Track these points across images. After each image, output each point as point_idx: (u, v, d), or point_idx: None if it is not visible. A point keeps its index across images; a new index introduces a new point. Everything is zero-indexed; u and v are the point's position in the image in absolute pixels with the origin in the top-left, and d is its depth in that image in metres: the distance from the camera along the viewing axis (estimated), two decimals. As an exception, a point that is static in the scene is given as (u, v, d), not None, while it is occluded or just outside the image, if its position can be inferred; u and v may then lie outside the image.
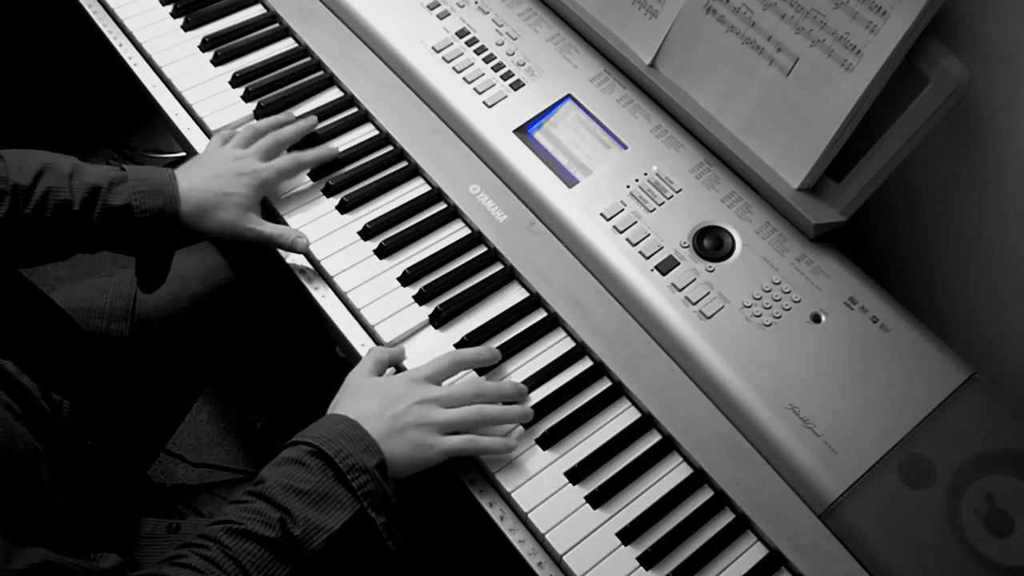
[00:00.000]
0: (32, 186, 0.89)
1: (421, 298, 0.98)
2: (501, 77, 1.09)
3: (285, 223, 1.02)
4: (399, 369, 0.94)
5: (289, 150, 1.05)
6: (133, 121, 1.93)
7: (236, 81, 1.12)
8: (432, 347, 0.95)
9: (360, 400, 0.86)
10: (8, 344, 0.79)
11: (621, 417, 0.92)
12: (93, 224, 0.91)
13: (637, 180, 1.03)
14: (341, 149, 1.08)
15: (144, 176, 0.94)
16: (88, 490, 0.80)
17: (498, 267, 1.01)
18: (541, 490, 0.87)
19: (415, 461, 0.84)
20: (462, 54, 1.11)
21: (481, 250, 1.02)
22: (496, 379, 0.93)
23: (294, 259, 1.01)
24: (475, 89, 1.08)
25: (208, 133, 1.09)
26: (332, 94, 1.13)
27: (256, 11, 1.20)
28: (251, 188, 0.98)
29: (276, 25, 1.19)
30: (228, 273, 1.11)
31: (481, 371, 0.94)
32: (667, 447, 0.91)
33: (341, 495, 0.78)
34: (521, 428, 0.91)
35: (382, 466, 0.81)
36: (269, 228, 0.99)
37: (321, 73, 1.14)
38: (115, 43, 1.16)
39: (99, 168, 0.94)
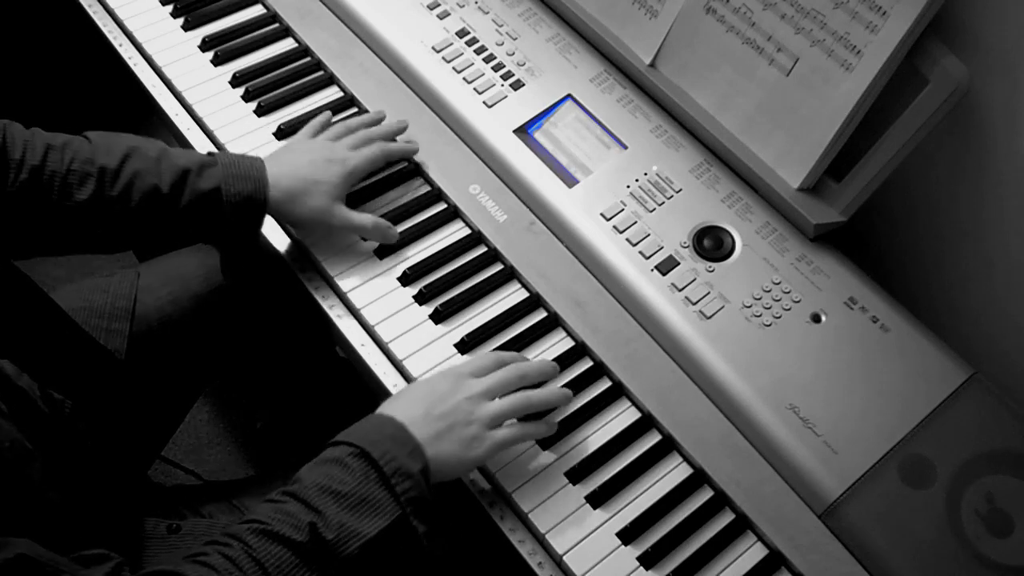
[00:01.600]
0: (119, 168, 0.88)
1: (421, 298, 0.98)
2: (501, 77, 1.09)
3: (285, 223, 1.02)
4: (401, 373, 0.94)
5: None
6: (133, 121, 1.92)
7: (236, 81, 1.12)
8: (432, 347, 0.95)
9: (405, 400, 0.84)
10: (8, 343, 0.78)
11: (621, 417, 0.92)
12: (181, 208, 0.90)
13: (637, 180, 1.03)
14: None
15: (234, 160, 0.94)
16: (88, 490, 0.80)
17: (498, 267, 1.01)
18: (541, 490, 0.87)
19: (465, 460, 0.82)
20: (462, 54, 1.11)
21: (481, 250, 1.02)
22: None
23: (293, 257, 1.01)
24: (475, 89, 1.08)
25: (208, 133, 1.09)
26: (332, 94, 1.13)
27: (256, 11, 1.20)
28: (340, 177, 0.97)
29: (276, 25, 1.19)
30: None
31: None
32: (667, 447, 0.91)
33: (383, 500, 0.76)
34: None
35: (426, 471, 0.79)
36: (358, 217, 0.98)
37: (321, 73, 1.14)
38: (115, 43, 1.16)
39: (187, 152, 0.94)
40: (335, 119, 1.10)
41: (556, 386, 0.90)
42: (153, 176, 0.89)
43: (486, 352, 0.91)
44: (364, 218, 0.98)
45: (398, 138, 1.06)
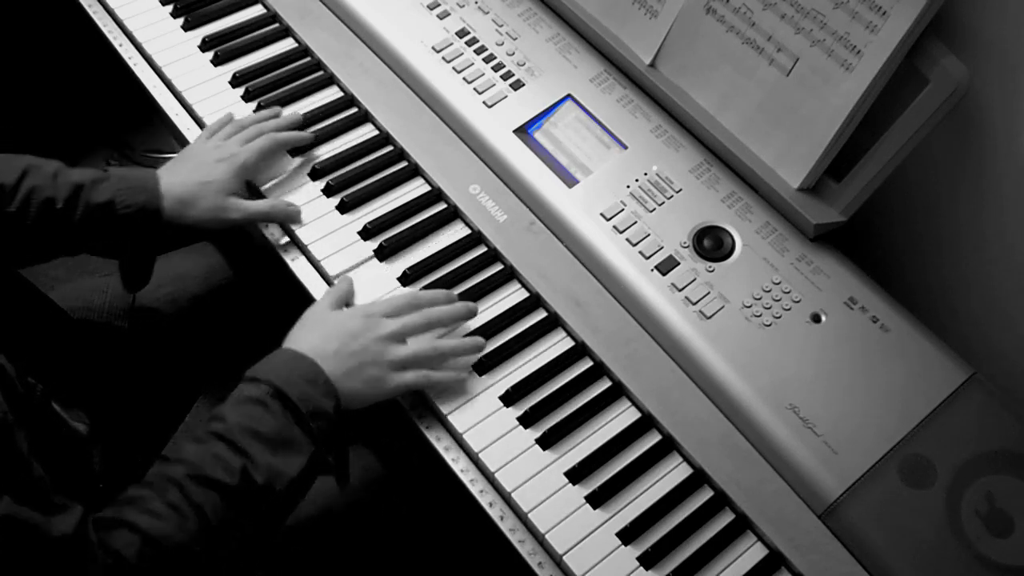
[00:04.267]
0: (16, 185, 0.89)
1: (421, 298, 0.98)
2: (501, 77, 1.09)
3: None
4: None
5: None
6: (133, 121, 1.92)
7: (236, 81, 1.12)
8: (432, 347, 0.95)
9: (317, 334, 0.88)
10: None
11: (621, 417, 0.92)
12: (76, 222, 0.91)
13: (637, 180, 1.03)
14: (341, 149, 1.08)
15: (126, 174, 0.95)
16: (86, 487, 0.80)
17: (498, 267, 1.01)
18: (541, 490, 0.87)
19: (368, 397, 0.87)
20: (462, 54, 1.11)
21: (481, 250, 1.02)
22: (496, 375, 0.93)
23: (293, 255, 1.01)
24: (475, 89, 1.08)
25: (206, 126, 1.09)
26: (332, 94, 1.13)
27: (256, 11, 1.20)
28: (230, 173, 0.98)
29: (276, 25, 1.19)
30: (227, 273, 1.11)
31: (478, 368, 0.94)
32: (667, 447, 0.91)
33: (300, 439, 0.80)
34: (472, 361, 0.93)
35: (338, 407, 0.83)
36: (255, 206, 0.99)
37: (321, 73, 1.14)
38: (115, 43, 1.16)
39: (83, 169, 0.95)
40: (335, 119, 1.10)
41: (479, 339, 0.94)
42: (49, 191, 0.90)
43: (403, 291, 0.95)
44: (261, 204, 1.00)
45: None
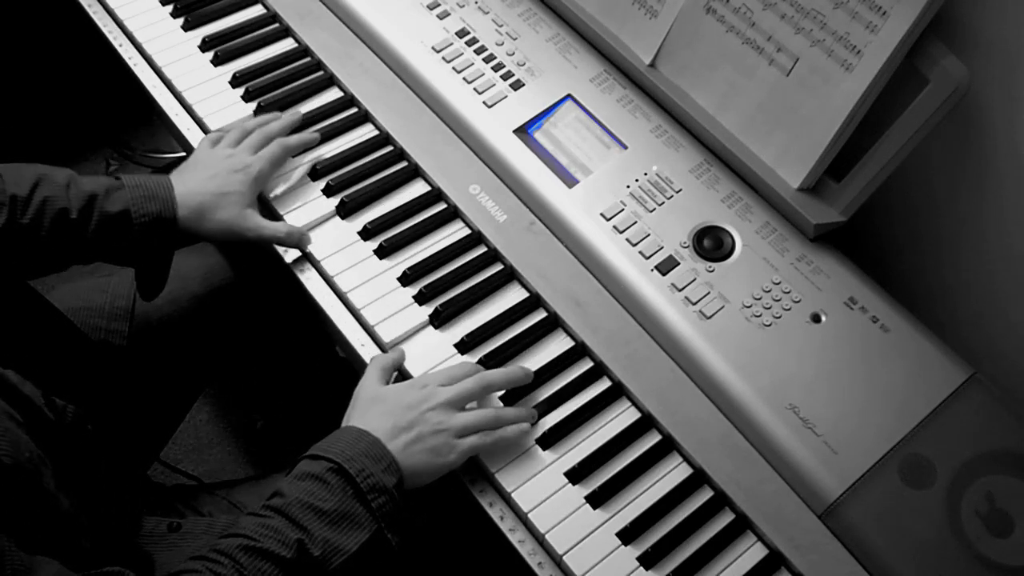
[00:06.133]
0: (29, 196, 0.89)
1: (421, 298, 0.98)
2: (501, 77, 1.09)
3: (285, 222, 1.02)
4: (402, 374, 0.94)
5: None
6: (133, 121, 1.93)
7: (236, 81, 1.12)
8: (432, 347, 0.95)
9: (375, 412, 0.86)
10: (9, 352, 0.78)
11: (621, 417, 0.92)
12: (91, 232, 0.91)
13: (637, 180, 1.03)
14: (341, 149, 1.08)
15: (140, 182, 0.94)
16: (92, 491, 0.80)
17: (498, 267, 1.01)
18: (541, 490, 0.87)
19: (435, 468, 0.84)
20: (462, 54, 1.11)
21: (481, 250, 1.02)
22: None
23: (292, 255, 1.01)
24: (475, 89, 1.08)
25: (208, 133, 1.09)
26: (332, 94, 1.13)
27: (256, 11, 1.20)
28: (246, 184, 0.98)
29: (276, 25, 1.19)
30: (228, 273, 1.11)
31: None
32: (667, 447, 0.91)
33: (360, 515, 0.78)
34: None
35: (400, 484, 0.81)
36: (271, 228, 0.98)
37: (321, 73, 1.14)
38: (115, 43, 1.16)
39: (95, 178, 0.94)
40: (335, 119, 1.10)
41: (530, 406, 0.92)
42: (62, 201, 0.90)
43: (461, 363, 0.92)
44: (277, 226, 0.99)
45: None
